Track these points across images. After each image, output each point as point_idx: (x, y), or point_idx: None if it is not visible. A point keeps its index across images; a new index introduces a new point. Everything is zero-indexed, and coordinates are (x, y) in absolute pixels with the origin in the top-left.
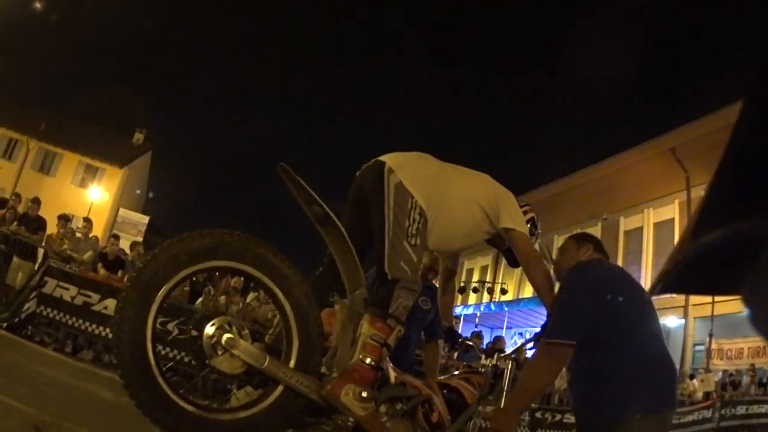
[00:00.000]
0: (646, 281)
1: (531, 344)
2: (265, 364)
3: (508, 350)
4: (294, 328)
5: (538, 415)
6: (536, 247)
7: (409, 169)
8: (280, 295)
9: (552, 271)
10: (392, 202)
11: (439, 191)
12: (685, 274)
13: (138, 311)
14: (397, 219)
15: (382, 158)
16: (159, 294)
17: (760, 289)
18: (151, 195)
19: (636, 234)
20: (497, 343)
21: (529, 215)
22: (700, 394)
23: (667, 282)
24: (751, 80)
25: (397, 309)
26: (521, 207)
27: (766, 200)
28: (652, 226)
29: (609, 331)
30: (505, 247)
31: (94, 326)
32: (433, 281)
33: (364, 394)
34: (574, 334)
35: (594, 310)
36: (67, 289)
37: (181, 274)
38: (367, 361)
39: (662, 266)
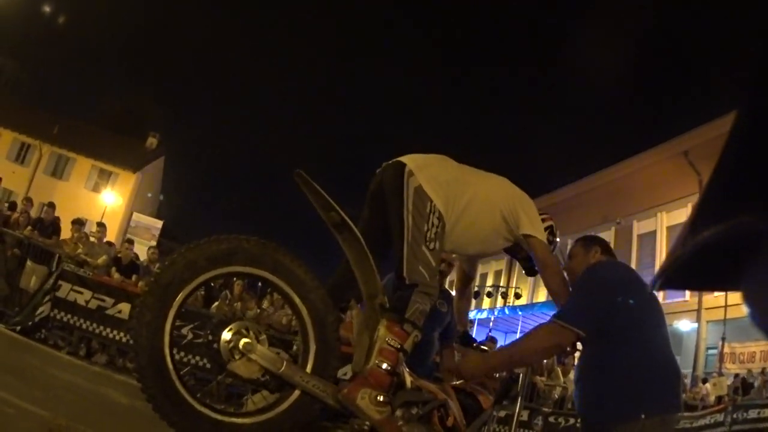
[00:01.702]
0: None
1: None
2: (282, 368)
3: None
4: (311, 333)
5: (551, 419)
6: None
7: (429, 172)
8: (297, 300)
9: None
10: (411, 205)
11: (458, 195)
12: (685, 270)
13: (156, 316)
14: (416, 223)
15: (403, 159)
16: (177, 299)
17: (760, 285)
18: (161, 197)
19: (649, 238)
20: None
21: (548, 223)
22: (712, 398)
23: (667, 278)
24: (750, 77)
25: (414, 314)
26: (540, 215)
27: (765, 195)
28: (665, 229)
29: (619, 330)
30: (522, 255)
31: (108, 330)
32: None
33: (380, 398)
34: (582, 325)
35: (606, 307)
36: (81, 292)
37: (199, 279)
38: (384, 366)
39: (662, 262)
